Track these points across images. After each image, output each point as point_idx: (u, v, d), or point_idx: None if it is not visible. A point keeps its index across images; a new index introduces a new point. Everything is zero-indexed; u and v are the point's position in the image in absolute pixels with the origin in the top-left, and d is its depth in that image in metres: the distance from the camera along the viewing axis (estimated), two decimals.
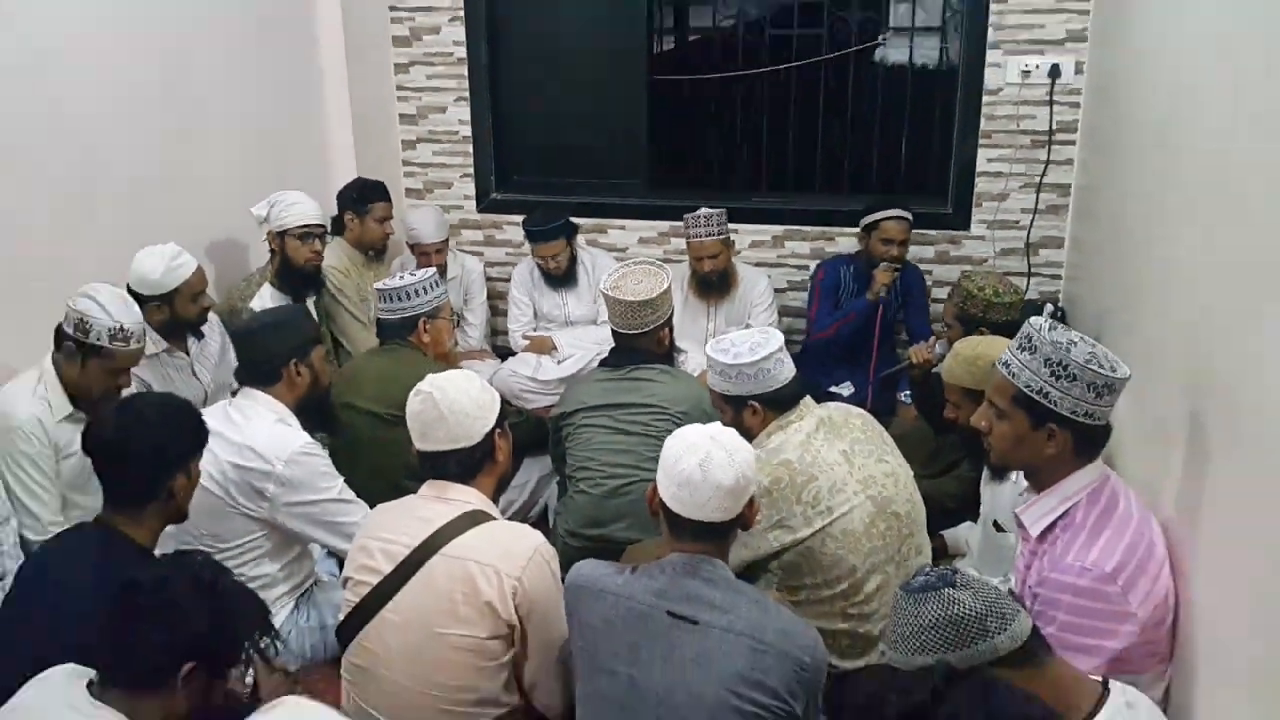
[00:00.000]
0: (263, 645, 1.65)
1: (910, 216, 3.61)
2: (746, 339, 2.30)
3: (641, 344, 2.75)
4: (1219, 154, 1.94)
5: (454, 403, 1.96)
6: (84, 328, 2.38)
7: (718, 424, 1.80)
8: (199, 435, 2.05)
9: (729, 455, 1.70)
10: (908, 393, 3.44)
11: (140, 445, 1.94)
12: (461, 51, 4.22)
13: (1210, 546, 1.74)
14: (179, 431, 2.00)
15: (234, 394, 2.56)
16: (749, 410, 2.28)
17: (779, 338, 2.31)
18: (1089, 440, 1.81)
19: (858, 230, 3.69)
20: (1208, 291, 1.90)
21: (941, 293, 3.69)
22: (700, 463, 1.69)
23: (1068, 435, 1.79)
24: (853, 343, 3.63)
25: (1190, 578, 1.79)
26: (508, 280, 4.19)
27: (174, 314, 2.82)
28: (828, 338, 3.66)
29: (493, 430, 2.01)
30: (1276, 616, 1.43)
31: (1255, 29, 1.79)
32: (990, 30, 3.70)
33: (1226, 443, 1.72)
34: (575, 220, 3.93)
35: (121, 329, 2.40)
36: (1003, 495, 2.36)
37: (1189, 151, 2.17)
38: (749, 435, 2.29)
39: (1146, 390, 2.14)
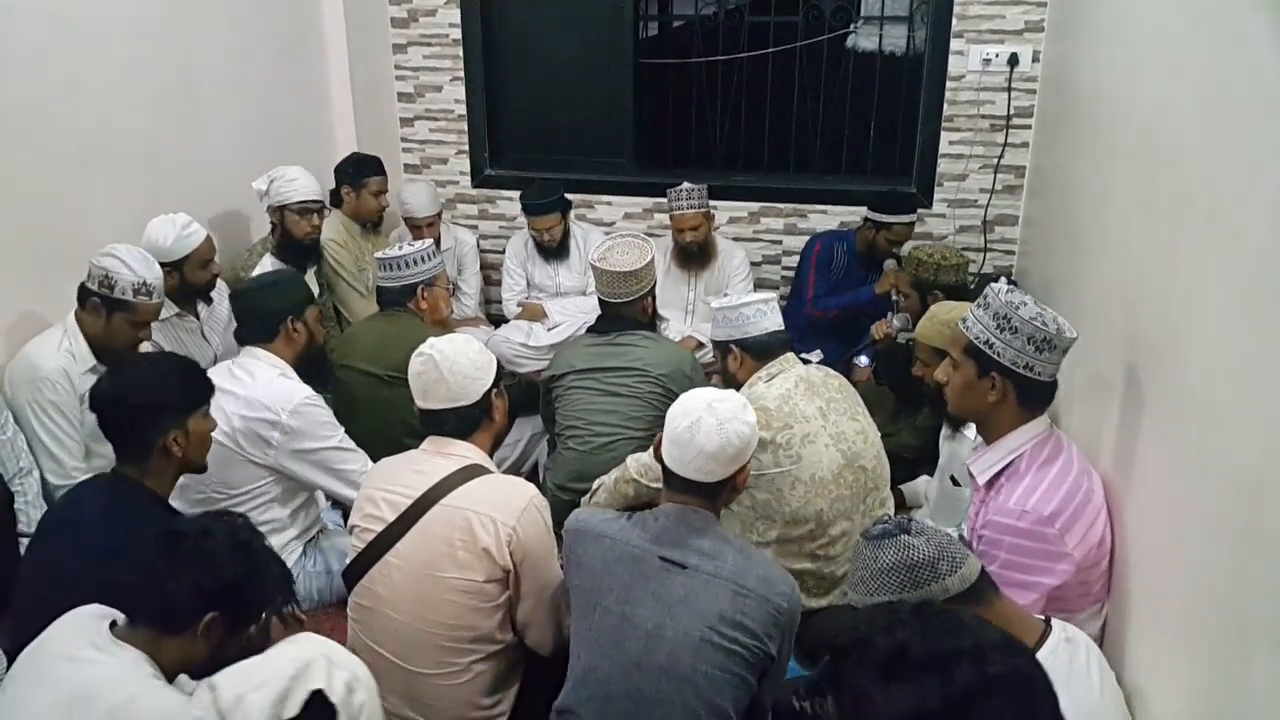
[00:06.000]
0: (283, 609, 1.66)
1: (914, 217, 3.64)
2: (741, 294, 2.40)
3: (626, 311, 2.77)
4: (1154, 138, 1.98)
5: (454, 364, 1.98)
6: (109, 283, 2.40)
7: (724, 392, 1.82)
8: (192, 393, 2.01)
9: (718, 424, 1.71)
10: (865, 359, 3.49)
11: (130, 401, 1.94)
12: (457, 33, 4.18)
13: (1143, 495, 1.80)
14: (166, 390, 1.97)
15: None
16: (732, 356, 2.38)
17: (768, 294, 2.40)
18: (1031, 394, 1.86)
19: (863, 216, 3.67)
20: (1145, 263, 1.94)
21: None
22: (690, 425, 1.72)
23: (1009, 385, 1.85)
24: (857, 323, 3.65)
25: (1126, 524, 1.85)
26: (501, 252, 4.19)
27: (184, 280, 2.82)
28: (827, 318, 3.67)
29: (490, 390, 2.03)
30: (1202, 560, 1.48)
31: (1189, 21, 1.82)
32: (954, 20, 3.70)
33: (1160, 403, 1.77)
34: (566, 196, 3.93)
35: (145, 284, 2.43)
36: (959, 451, 2.41)
37: (1128, 135, 2.22)
38: (735, 382, 2.35)
39: (1088, 353, 2.19)
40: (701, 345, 3.69)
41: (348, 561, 2.01)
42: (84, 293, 2.44)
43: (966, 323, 1.90)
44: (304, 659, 1.19)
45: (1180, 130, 1.81)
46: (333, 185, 3.65)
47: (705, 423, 1.71)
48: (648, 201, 4.21)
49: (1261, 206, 1.38)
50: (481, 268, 4.21)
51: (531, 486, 1.99)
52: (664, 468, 1.79)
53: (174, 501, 2.23)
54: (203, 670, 1.57)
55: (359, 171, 3.62)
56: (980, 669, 0.96)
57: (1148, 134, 2.04)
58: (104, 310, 2.42)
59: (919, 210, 3.94)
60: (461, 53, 4.20)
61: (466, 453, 2.00)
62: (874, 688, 0.96)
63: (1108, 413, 2.05)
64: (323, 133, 3.95)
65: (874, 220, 3.62)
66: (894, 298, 3.56)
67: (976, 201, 3.89)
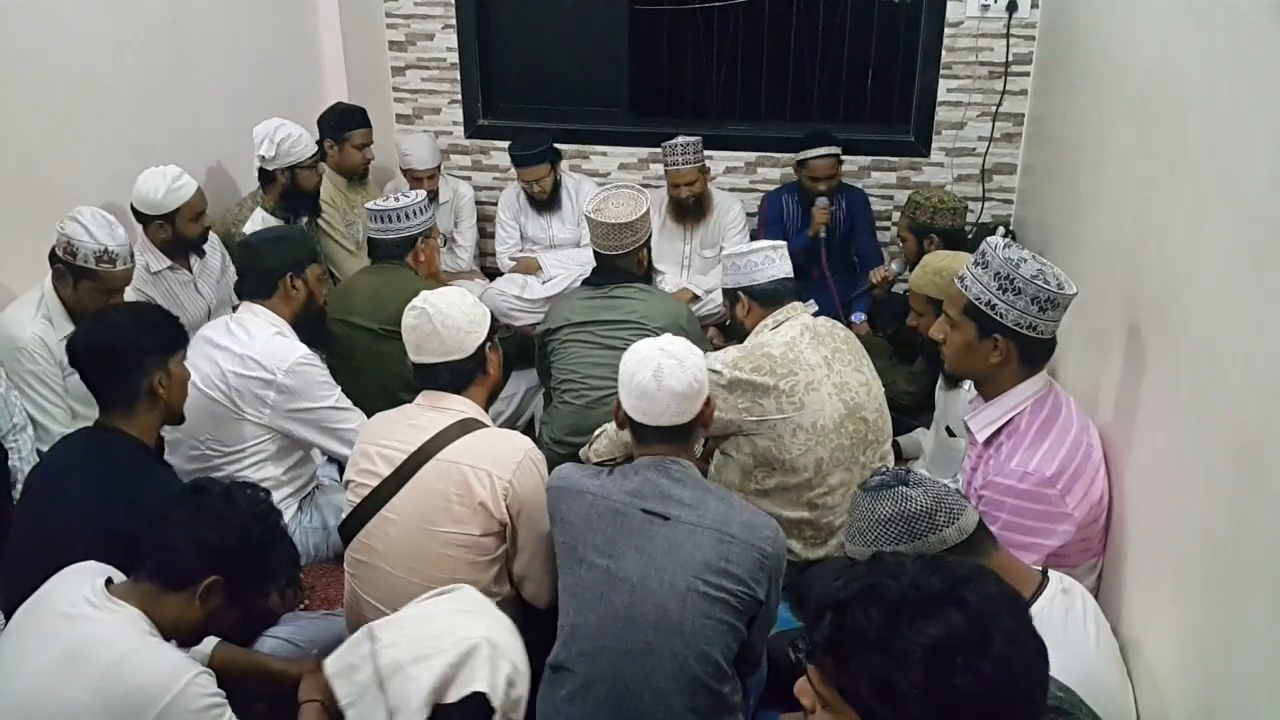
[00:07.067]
0: (287, 593, 1.65)
1: (838, 151, 3.55)
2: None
3: (622, 264, 2.72)
4: (1153, 86, 1.93)
5: (447, 317, 1.94)
6: (71, 250, 2.32)
7: (668, 336, 1.82)
8: (171, 334, 2.02)
9: (679, 363, 1.73)
10: (860, 315, 3.45)
11: (113, 346, 1.92)
12: None
13: (1141, 448, 1.77)
14: (147, 329, 1.97)
15: (235, 309, 2.53)
16: (740, 304, 2.36)
17: (779, 242, 2.39)
18: (1033, 352, 1.82)
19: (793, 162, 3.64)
20: (1144, 212, 1.90)
21: None
22: (654, 374, 1.71)
23: (1012, 346, 1.80)
24: (805, 271, 3.59)
25: (1123, 477, 1.83)
26: (495, 204, 4.12)
27: (176, 233, 2.75)
28: None
29: (484, 344, 2.00)
30: (1198, 513, 1.46)
31: None
32: None
33: (1158, 354, 1.74)
34: (559, 146, 3.84)
35: (107, 251, 2.33)
36: (955, 402, 2.38)
37: (1127, 83, 2.16)
38: (742, 329, 2.34)
39: (1087, 305, 2.15)
40: (697, 298, 3.65)
41: (343, 517, 1.99)
42: (53, 258, 2.37)
43: (965, 282, 1.83)
44: (470, 641, 1.15)
45: (1180, 78, 1.75)
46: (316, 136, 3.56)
47: (666, 365, 1.72)
48: (643, 151, 4.13)
49: (1260, 159, 1.34)
50: (476, 220, 4.14)
51: (527, 440, 1.97)
52: (634, 426, 1.78)
53: (169, 458, 2.21)
54: (192, 639, 1.55)
55: (342, 125, 3.51)
56: (984, 592, 0.98)
57: (1147, 82, 1.98)
58: (70, 277, 2.35)
59: (916, 158, 3.88)
60: (454, 0, 4.08)
61: (461, 407, 1.97)
62: (898, 627, 0.96)
63: (1106, 365, 2.02)
64: (312, 82, 3.85)
65: (799, 161, 3.58)
66: (821, 235, 3.50)
67: (974, 150, 3.82)
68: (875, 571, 1.02)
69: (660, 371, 1.71)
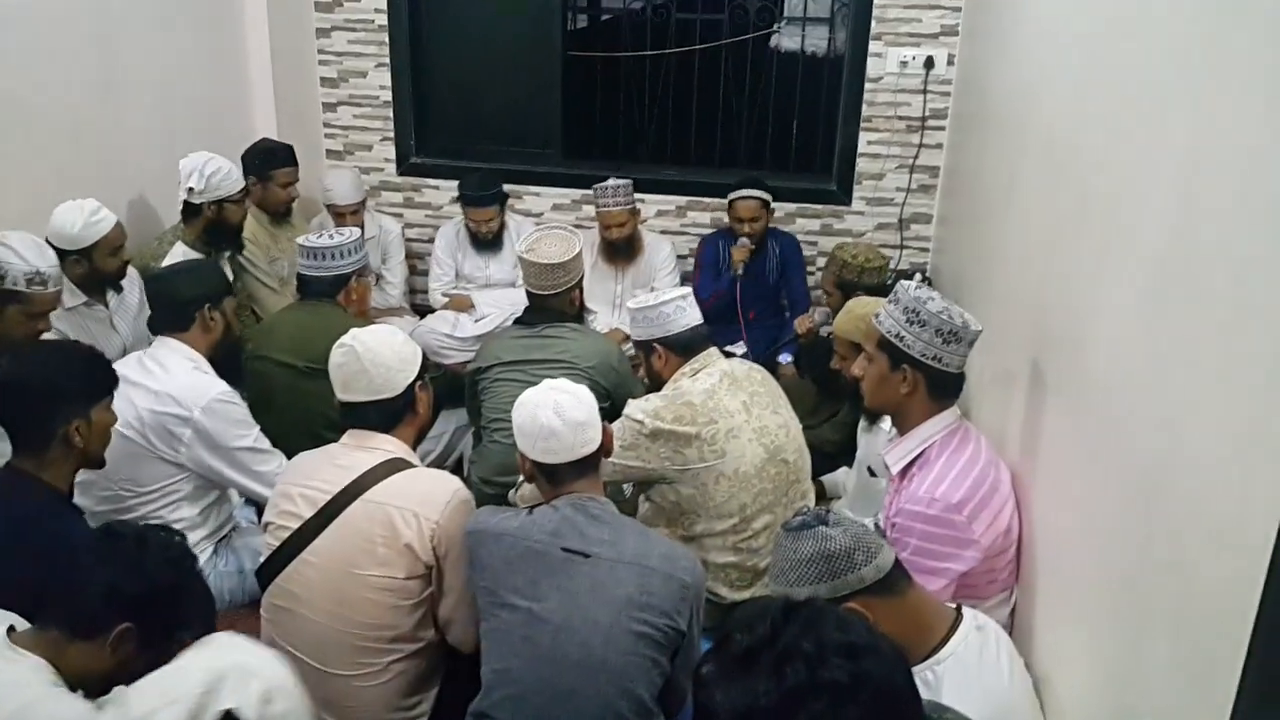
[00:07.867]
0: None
1: (763, 195, 3.65)
2: (658, 291, 2.38)
3: (554, 304, 2.72)
4: (1058, 142, 2.03)
5: (376, 355, 1.91)
6: None
7: (550, 379, 1.87)
8: (97, 381, 1.92)
9: (572, 395, 1.78)
10: (787, 356, 3.52)
11: (30, 387, 1.83)
12: (383, 19, 4.05)
13: (1048, 485, 1.84)
14: (70, 375, 1.88)
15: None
16: (656, 355, 2.35)
17: (684, 290, 2.40)
18: (940, 385, 1.90)
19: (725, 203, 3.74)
20: (1050, 260, 1.99)
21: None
22: (555, 412, 1.75)
23: (920, 377, 1.88)
24: (730, 311, 3.64)
25: (1032, 514, 1.89)
26: (427, 241, 4.09)
27: (93, 268, 2.66)
28: (708, 308, 3.67)
29: (414, 383, 1.97)
30: (1104, 548, 1.52)
31: (1091, 30, 1.87)
32: (873, 23, 3.74)
33: (1063, 395, 1.82)
34: None
35: (38, 273, 2.27)
36: (876, 443, 2.44)
37: (1035, 138, 2.27)
38: (659, 379, 2.34)
39: (998, 347, 2.24)
40: (629, 338, 3.67)
41: (261, 560, 1.92)
42: None
43: (879, 318, 1.94)
44: (217, 670, 1.13)
45: (1083, 135, 1.85)
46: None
47: (563, 401, 1.77)
48: (576, 193, 4.16)
49: (1157, 210, 1.42)
50: (406, 257, 4.11)
51: (456, 480, 1.95)
52: (547, 471, 1.79)
53: (80, 499, 2.11)
54: (99, 689, 1.48)
55: (266, 164, 3.42)
56: (813, 672, 0.94)
57: (1053, 138, 2.09)
58: None
59: (838, 206, 4.00)
60: (387, 39, 4.08)
61: (389, 446, 1.94)
62: (716, 685, 0.96)
63: (1015, 405, 2.10)
64: (241, 116, 3.78)
65: (729, 202, 3.69)
66: (739, 274, 3.59)
67: (893, 200, 3.96)
68: (739, 622, 1.01)
69: (560, 407, 1.75)
